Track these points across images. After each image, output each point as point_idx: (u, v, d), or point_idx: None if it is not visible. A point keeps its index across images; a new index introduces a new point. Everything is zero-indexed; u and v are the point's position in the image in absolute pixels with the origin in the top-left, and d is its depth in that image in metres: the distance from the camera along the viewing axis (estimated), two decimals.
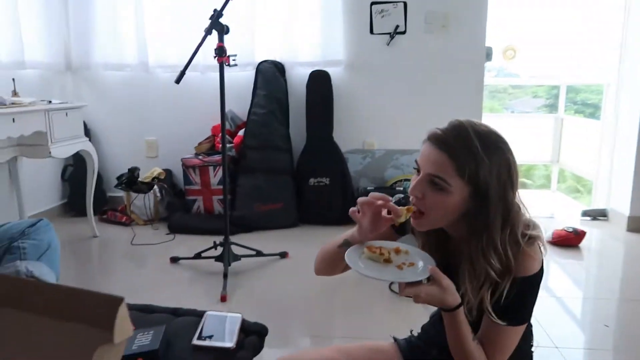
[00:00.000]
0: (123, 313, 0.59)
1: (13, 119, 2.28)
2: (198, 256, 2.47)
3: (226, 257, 2.31)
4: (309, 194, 3.16)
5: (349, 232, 1.03)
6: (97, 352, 0.60)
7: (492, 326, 0.90)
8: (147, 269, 2.53)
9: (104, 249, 2.86)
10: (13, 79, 2.66)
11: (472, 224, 0.90)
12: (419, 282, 0.87)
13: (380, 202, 0.94)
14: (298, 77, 3.29)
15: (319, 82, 3.20)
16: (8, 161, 2.76)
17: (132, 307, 1.24)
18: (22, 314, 0.71)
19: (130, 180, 3.18)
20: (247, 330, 1.11)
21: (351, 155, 3.30)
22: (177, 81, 2.26)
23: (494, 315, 0.89)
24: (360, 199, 0.97)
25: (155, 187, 3.21)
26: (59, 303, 0.64)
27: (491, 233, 0.88)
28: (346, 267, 0.97)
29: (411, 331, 1.20)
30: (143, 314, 1.21)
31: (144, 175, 3.25)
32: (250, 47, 3.22)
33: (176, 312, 1.21)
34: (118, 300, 0.59)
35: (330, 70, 3.22)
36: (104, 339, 0.58)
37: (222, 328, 1.08)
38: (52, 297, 0.65)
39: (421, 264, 0.91)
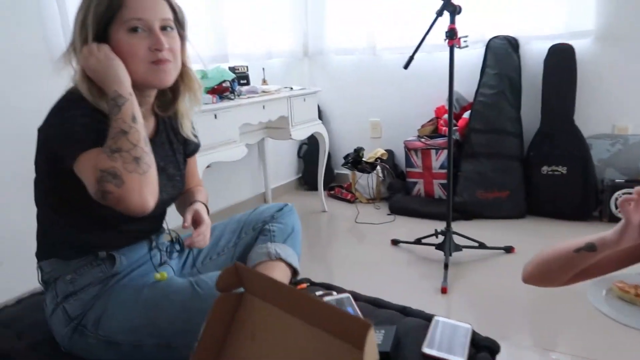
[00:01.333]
0: (371, 338, 0.60)
1: (263, 106, 2.61)
2: (418, 242, 2.48)
3: (447, 247, 2.27)
4: (541, 184, 2.86)
5: (599, 234, 0.82)
6: None
7: None
8: (369, 247, 2.65)
9: (331, 223, 3.11)
10: (263, 69, 3.04)
11: None
12: None
13: None
14: (534, 52, 2.96)
15: (561, 57, 2.82)
16: (257, 142, 3.20)
17: (362, 298, 1.30)
18: (275, 309, 0.80)
19: (356, 160, 3.36)
20: (478, 344, 1.05)
21: (596, 141, 2.85)
22: (406, 66, 2.26)
23: None
24: (638, 188, 0.75)
25: (378, 167, 3.33)
26: (312, 310, 0.70)
27: None
28: (573, 279, 0.80)
29: None
30: (373, 308, 1.25)
31: (368, 155, 3.40)
32: (480, 23, 3.01)
33: (404, 311, 1.22)
34: (367, 325, 0.60)
35: (575, 43, 2.81)
36: (355, 357, 0.61)
37: (452, 338, 1.05)
38: (306, 304, 0.72)
39: None
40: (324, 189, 3.31)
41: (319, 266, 2.42)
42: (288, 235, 1.33)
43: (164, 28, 1.05)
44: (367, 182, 3.34)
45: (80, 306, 1.08)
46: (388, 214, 3.10)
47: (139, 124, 0.97)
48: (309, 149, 3.67)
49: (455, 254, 2.30)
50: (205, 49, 2.68)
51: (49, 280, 1.12)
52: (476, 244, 2.40)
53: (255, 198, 3.36)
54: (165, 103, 1.18)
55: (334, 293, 1.30)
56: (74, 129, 0.97)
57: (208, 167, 2.30)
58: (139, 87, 1.05)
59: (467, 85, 3.10)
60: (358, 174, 3.36)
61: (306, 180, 3.75)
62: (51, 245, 1.13)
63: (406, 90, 3.40)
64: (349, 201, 3.39)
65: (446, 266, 2.18)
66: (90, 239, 1.11)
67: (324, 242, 2.78)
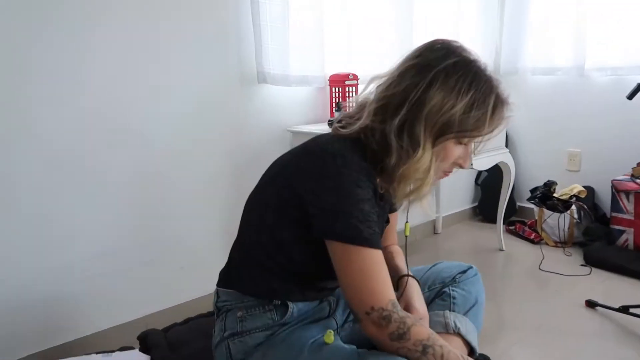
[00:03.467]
0: None
1: None
2: (625, 310, 2.01)
3: None
4: None
5: None
6: None
7: None
8: (555, 305, 2.24)
9: (509, 265, 2.74)
10: None
11: None
12: None
13: None
14: None
15: None
16: None
17: None
18: None
19: (545, 195, 2.92)
20: None
21: None
22: (630, 97, 1.86)
23: None
24: None
25: (573, 206, 2.84)
26: None
27: None
28: None
29: None
30: None
31: (561, 191, 2.93)
32: None
33: None
34: None
35: None
36: None
37: None
38: None
39: None
40: (503, 222, 2.94)
41: (490, 319, 2.10)
42: (471, 307, 1.13)
43: None
44: (557, 223, 2.87)
45: (242, 350, 1.04)
46: (582, 265, 2.61)
47: None
48: (489, 177, 3.33)
49: None
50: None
51: (221, 309, 1.10)
52: None
53: (425, 225, 3.15)
54: None
55: None
56: (364, 208, 0.93)
57: None
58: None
59: None
60: (547, 212, 2.91)
61: (482, 211, 3.41)
62: (239, 277, 1.10)
63: (618, 119, 2.84)
64: (532, 241, 2.97)
65: None
66: (281, 286, 1.05)
67: (498, 289, 2.43)
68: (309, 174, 0.96)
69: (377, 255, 0.93)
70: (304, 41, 2.28)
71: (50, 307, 1.69)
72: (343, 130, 1.01)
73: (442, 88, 0.94)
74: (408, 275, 1.12)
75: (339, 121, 1.06)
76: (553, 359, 1.81)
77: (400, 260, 1.18)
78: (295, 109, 2.39)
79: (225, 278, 1.12)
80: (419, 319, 1.00)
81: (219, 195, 2.13)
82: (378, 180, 1.00)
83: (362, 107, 1.04)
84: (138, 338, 1.32)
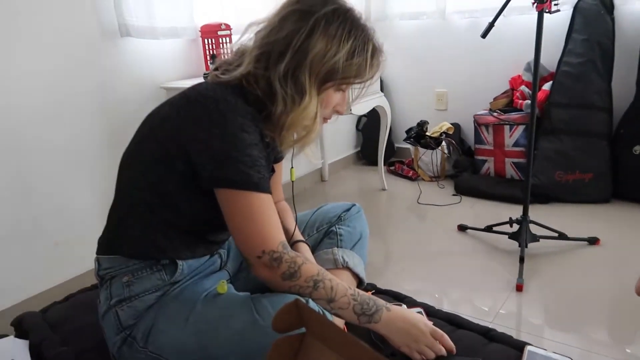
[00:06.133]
0: None
1: None
2: (489, 229, 2.27)
3: (523, 238, 2.05)
4: (632, 165, 2.54)
5: None
6: None
7: None
8: (433, 232, 2.47)
9: (391, 203, 2.93)
10: None
11: None
12: None
13: None
14: (632, 14, 2.58)
15: None
16: None
17: (437, 315, 1.15)
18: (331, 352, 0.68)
19: (419, 135, 3.13)
20: None
21: None
22: (484, 35, 2.01)
23: None
24: None
25: (444, 142, 3.09)
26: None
27: None
28: None
29: None
30: (450, 327, 1.09)
31: (432, 130, 3.16)
32: None
33: (488, 335, 1.05)
34: None
35: None
36: None
37: None
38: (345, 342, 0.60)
39: None
40: (384, 165, 3.12)
41: (377, 253, 2.27)
42: (356, 242, 1.19)
43: None
44: (430, 159, 3.12)
45: (132, 315, 0.99)
46: (453, 195, 2.88)
47: None
48: (368, 122, 3.48)
49: (531, 245, 2.09)
50: None
51: (104, 277, 1.03)
52: (555, 234, 2.16)
53: (312, 174, 3.22)
54: None
55: (404, 306, 1.15)
56: (252, 153, 0.91)
57: None
58: None
59: (548, 54, 2.75)
60: (421, 149, 3.14)
61: (364, 155, 3.57)
62: (121, 240, 1.02)
63: (478, 58, 3.10)
64: (410, 178, 3.20)
65: (522, 260, 1.97)
66: (168, 244, 1.01)
67: (383, 224, 2.61)
68: (192, 122, 0.92)
69: (267, 199, 0.93)
70: None
71: None
72: (223, 77, 0.98)
73: (324, 35, 0.94)
74: (299, 241, 1.14)
75: (216, 68, 1.03)
76: (433, 280, 2.01)
77: (290, 222, 1.19)
78: (167, 64, 2.25)
79: (106, 244, 1.05)
80: (308, 258, 1.04)
81: (91, 159, 1.97)
82: (264, 127, 0.99)
83: (241, 54, 1.01)
84: (12, 324, 1.20)
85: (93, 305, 1.07)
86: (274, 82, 0.94)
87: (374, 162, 3.19)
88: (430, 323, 0.99)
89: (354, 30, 0.97)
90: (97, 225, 1.15)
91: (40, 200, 1.82)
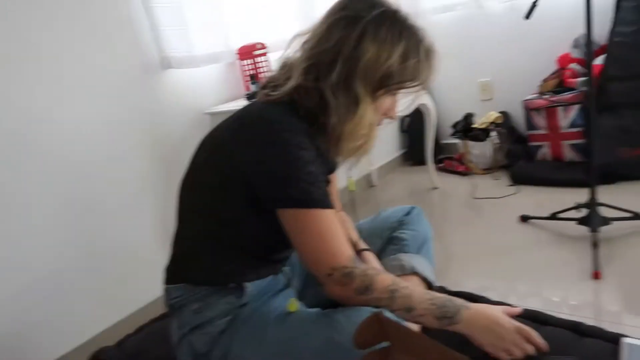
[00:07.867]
0: None
1: None
2: (554, 217, 2.16)
3: (594, 221, 1.93)
4: None
5: None
6: None
7: None
8: (493, 226, 2.37)
9: (445, 201, 2.86)
10: None
11: None
12: None
13: None
14: None
15: None
16: None
17: (520, 314, 1.08)
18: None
19: (466, 128, 3.05)
20: None
21: None
22: (527, 16, 1.93)
23: None
24: None
25: (493, 133, 2.98)
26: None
27: None
28: None
29: None
30: (533, 325, 1.03)
31: (479, 121, 3.06)
32: None
33: (579, 329, 0.99)
34: None
35: None
36: None
37: None
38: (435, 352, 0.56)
39: None
40: (433, 163, 3.04)
41: (438, 254, 2.18)
42: (421, 245, 1.15)
43: None
44: (481, 151, 3.02)
45: (206, 342, 0.99)
46: (510, 185, 2.77)
47: None
48: (413, 122, 3.41)
49: (603, 229, 1.96)
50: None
51: (174, 305, 1.04)
52: (629, 215, 2.02)
53: (360, 180, 3.19)
54: None
55: None
56: (312, 170, 0.90)
57: None
58: None
59: (596, 26, 2.62)
60: (470, 143, 3.04)
61: (411, 155, 3.50)
62: (187, 268, 1.03)
63: (519, 42, 2.98)
64: (462, 174, 3.10)
65: (595, 245, 1.86)
66: (234, 268, 1.01)
67: (439, 224, 2.53)
68: (249, 145, 0.91)
69: (331, 214, 0.91)
70: (202, 17, 2.17)
71: None
72: (273, 94, 0.97)
73: (374, 40, 0.91)
74: (364, 249, 1.11)
75: (264, 87, 1.02)
76: (500, 276, 1.93)
77: (352, 232, 1.17)
78: (209, 90, 2.29)
79: (173, 273, 1.06)
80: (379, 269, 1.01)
81: (148, 193, 2.02)
82: (319, 140, 0.97)
83: (288, 68, 0.99)
84: None
85: (166, 335, 1.08)
86: (326, 93, 0.92)
87: (421, 162, 3.12)
88: (513, 321, 0.93)
89: (404, 32, 0.94)
90: (159, 254, 1.17)
91: (105, 239, 1.88)
